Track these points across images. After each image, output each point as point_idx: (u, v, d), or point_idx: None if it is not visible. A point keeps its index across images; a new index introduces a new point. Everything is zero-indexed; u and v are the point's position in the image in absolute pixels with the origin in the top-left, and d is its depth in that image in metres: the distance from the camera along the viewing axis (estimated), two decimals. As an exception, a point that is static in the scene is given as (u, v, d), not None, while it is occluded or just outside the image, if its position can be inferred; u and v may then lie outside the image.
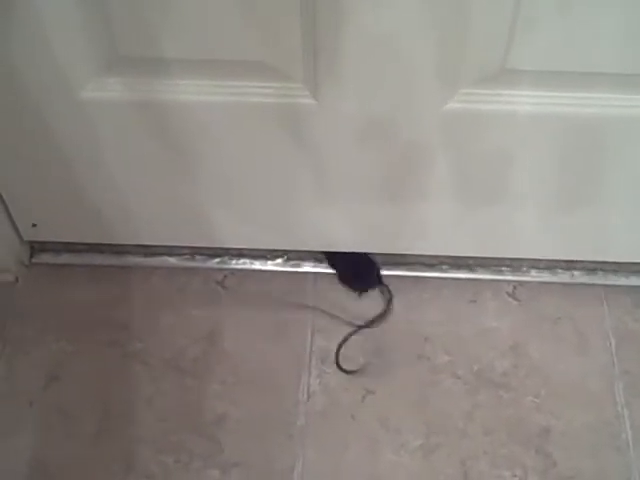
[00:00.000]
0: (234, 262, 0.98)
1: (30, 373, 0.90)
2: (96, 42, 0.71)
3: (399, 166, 0.83)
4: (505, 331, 0.94)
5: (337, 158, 0.83)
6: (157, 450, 0.85)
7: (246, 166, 0.85)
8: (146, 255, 0.98)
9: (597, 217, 0.89)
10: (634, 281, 0.97)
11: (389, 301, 0.95)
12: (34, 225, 0.94)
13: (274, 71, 0.73)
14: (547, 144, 0.80)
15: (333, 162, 0.83)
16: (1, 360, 0.91)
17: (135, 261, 0.98)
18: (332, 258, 0.98)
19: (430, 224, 0.91)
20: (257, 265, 0.98)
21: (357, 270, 0.98)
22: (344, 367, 0.89)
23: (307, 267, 0.98)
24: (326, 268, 0.98)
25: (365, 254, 0.97)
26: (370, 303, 0.95)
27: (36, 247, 0.99)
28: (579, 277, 0.97)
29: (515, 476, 0.84)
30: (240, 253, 0.98)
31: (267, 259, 0.98)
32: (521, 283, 0.97)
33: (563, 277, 0.97)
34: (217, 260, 0.98)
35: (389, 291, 0.95)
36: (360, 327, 0.92)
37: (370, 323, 0.92)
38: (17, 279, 0.97)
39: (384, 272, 0.97)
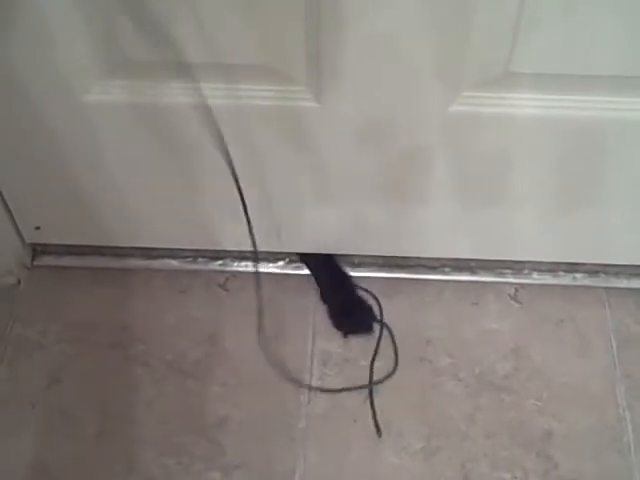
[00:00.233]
0: (236, 265, 0.98)
1: (32, 375, 0.90)
2: (100, 45, 0.71)
3: (401, 169, 0.84)
4: (507, 334, 0.94)
5: (339, 161, 0.83)
6: (158, 452, 0.85)
7: (248, 169, 0.85)
8: (148, 257, 0.98)
9: (598, 219, 0.89)
10: (636, 283, 0.97)
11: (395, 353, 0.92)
12: (37, 228, 0.94)
13: (277, 74, 0.73)
14: (548, 146, 0.80)
15: (335, 165, 0.83)
16: (3, 362, 0.91)
17: (137, 263, 0.98)
18: (324, 293, 0.95)
19: (432, 226, 0.92)
20: (259, 268, 0.98)
21: (349, 310, 0.94)
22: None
23: (308, 270, 0.98)
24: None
25: (360, 298, 0.95)
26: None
27: (38, 249, 0.99)
28: (581, 279, 0.97)
29: (515, 478, 0.84)
30: (242, 256, 0.98)
31: (269, 261, 0.98)
32: (523, 285, 0.97)
33: (565, 279, 0.97)
34: (219, 262, 0.98)
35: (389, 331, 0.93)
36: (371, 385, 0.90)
37: (378, 382, 0.90)
38: (19, 281, 0.98)
39: (385, 274, 0.97)
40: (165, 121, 0.78)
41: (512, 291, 0.97)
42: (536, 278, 0.97)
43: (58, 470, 0.84)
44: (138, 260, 0.98)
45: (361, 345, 0.92)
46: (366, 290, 0.96)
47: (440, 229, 0.92)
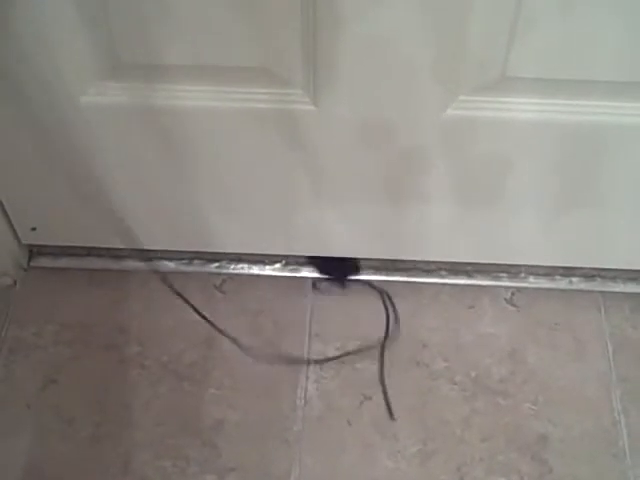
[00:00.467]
0: (232, 267, 0.98)
1: (28, 376, 0.90)
2: (97, 47, 0.71)
3: (398, 172, 0.84)
4: (503, 337, 0.94)
5: (336, 164, 0.83)
6: (154, 454, 0.85)
7: (245, 171, 0.85)
8: (144, 259, 0.98)
9: (594, 223, 0.89)
10: (632, 288, 0.97)
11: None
12: (33, 229, 0.94)
13: (274, 77, 0.73)
14: (545, 151, 0.80)
15: (332, 168, 0.83)
16: (-1, 363, 0.91)
17: (133, 265, 0.98)
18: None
19: (428, 230, 0.92)
20: (255, 270, 0.98)
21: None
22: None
23: (305, 272, 0.98)
24: (324, 274, 0.98)
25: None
26: (368, 311, 0.95)
27: (35, 250, 0.99)
28: (577, 283, 0.97)
29: (510, 482, 0.84)
30: (238, 258, 0.98)
31: (265, 264, 0.98)
32: (519, 289, 0.97)
33: (561, 283, 0.97)
34: (215, 265, 0.98)
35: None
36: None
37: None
38: (15, 282, 0.98)
39: (382, 277, 0.97)
40: (162, 123, 0.78)
41: (508, 295, 0.97)
42: (532, 282, 0.97)
43: (53, 471, 0.84)
44: (134, 262, 0.98)
45: (358, 348, 0.92)
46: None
47: (437, 232, 0.92)
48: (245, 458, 0.85)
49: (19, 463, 0.84)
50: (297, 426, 0.87)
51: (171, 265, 0.98)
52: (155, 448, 0.85)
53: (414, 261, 0.97)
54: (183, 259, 0.98)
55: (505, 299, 0.97)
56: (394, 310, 0.95)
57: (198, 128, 0.79)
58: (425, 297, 0.97)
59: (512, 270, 0.98)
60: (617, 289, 0.97)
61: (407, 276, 0.98)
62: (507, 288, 0.97)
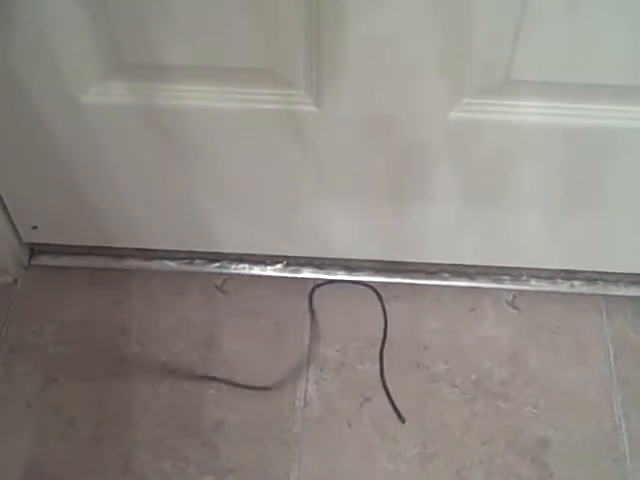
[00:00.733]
0: (233, 267, 0.98)
1: (28, 375, 0.90)
2: (99, 47, 0.71)
3: (400, 174, 0.83)
4: (504, 340, 0.94)
5: (337, 165, 0.82)
6: (154, 455, 0.85)
7: (247, 172, 0.84)
8: (145, 259, 0.98)
9: (597, 227, 0.89)
10: (634, 291, 0.97)
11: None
12: (34, 227, 0.94)
13: (277, 78, 0.73)
14: (549, 154, 0.80)
15: (333, 169, 0.83)
16: (-1, 361, 0.91)
17: (134, 265, 0.98)
18: None
19: (431, 232, 0.91)
20: (256, 270, 0.98)
21: None
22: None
23: (306, 273, 0.98)
24: (326, 274, 0.97)
25: None
26: (369, 313, 0.95)
27: (35, 249, 0.99)
28: (579, 287, 0.97)
29: (510, 485, 0.84)
30: (240, 258, 0.98)
31: (266, 264, 0.98)
32: (521, 292, 0.97)
33: (563, 287, 0.97)
34: (216, 265, 0.98)
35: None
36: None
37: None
38: (16, 281, 0.97)
39: (383, 279, 0.97)
40: (163, 123, 0.78)
41: (510, 297, 0.97)
42: (534, 285, 0.97)
43: (53, 471, 0.84)
44: (135, 261, 0.98)
45: (358, 349, 0.92)
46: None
47: (439, 234, 0.92)
48: (244, 459, 0.85)
49: (19, 463, 0.84)
50: (297, 427, 0.87)
51: (172, 265, 0.98)
52: (155, 448, 0.85)
53: (417, 263, 0.97)
54: (184, 259, 0.98)
55: (507, 302, 0.97)
56: (395, 312, 0.95)
57: (199, 128, 0.79)
58: (426, 299, 0.97)
59: (514, 273, 0.97)
60: (619, 293, 0.97)
61: (409, 278, 0.97)
62: (509, 291, 0.97)
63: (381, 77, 0.72)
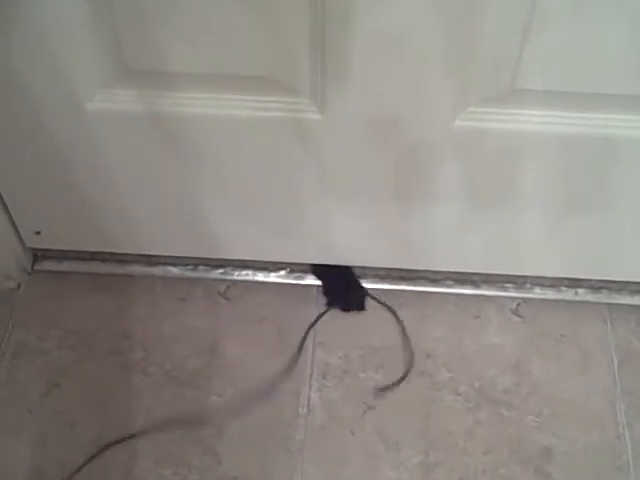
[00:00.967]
0: (237, 273, 0.98)
1: (31, 380, 0.90)
2: (103, 54, 0.71)
3: (404, 181, 0.83)
4: (508, 348, 0.93)
5: (342, 173, 0.82)
6: (156, 461, 0.85)
7: (250, 178, 0.84)
8: (149, 265, 0.98)
9: (602, 235, 0.88)
10: (638, 300, 0.96)
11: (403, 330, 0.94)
12: (37, 232, 0.94)
13: (281, 86, 0.73)
14: (553, 163, 0.79)
15: (338, 177, 0.83)
16: (1, 367, 0.91)
17: (138, 270, 0.98)
18: (318, 269, 0.97)
19: (435, 239, 0.91)
20: (260, 277, 0.98)
21: (342, 287, 0.97)
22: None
23: (310, 280, 0.97)
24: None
25: (353, 275, 0.97)
26: (373, 320, 0.95)
27: (39, 254, 0.99)
28: (583, 295, 0.97)
29: (513, 495, 0.84)
30: (243, 264, 0.98)
31: (270, 271, 0.98)
32: (525, 300, 0.97)
33: (567, 295, 0.97)
34: (220, 271, 0.98)
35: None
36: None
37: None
38: (19, 286, 0.97)
39: (387, 286, 0.97)
40: (168, 130, 0.78)
41: (514, 305, 0.97)
42: (538, 293, 0.97)
43: (54, 477, 0.84)
44: (139, 267, 0.98)
45: (361, 357, 0.92)
46: (383, 303, 0.96)
47: (444, 242, 0.92)
48: (246, 466, 0.85)
49: (20, 467, 0.84)
50: (299, 435, 0.87)
51: (175, 271, 0.98)
52: (157, 455, 0.85)
53: (421, 270, 0.97)
54: (188, 265, 0.98)
55: (511, 310, 0.96)
56: (399, 319, 0.95)
57: (203, 135, 0.79)
58: (430, 306, 0.96)
59: (518, 281, 0.97)
60: (623, 301, 0.96)
61: (413, 285, 0.97)
62: (513, 299, 0.97)
63: (385, 86, 0.71)
